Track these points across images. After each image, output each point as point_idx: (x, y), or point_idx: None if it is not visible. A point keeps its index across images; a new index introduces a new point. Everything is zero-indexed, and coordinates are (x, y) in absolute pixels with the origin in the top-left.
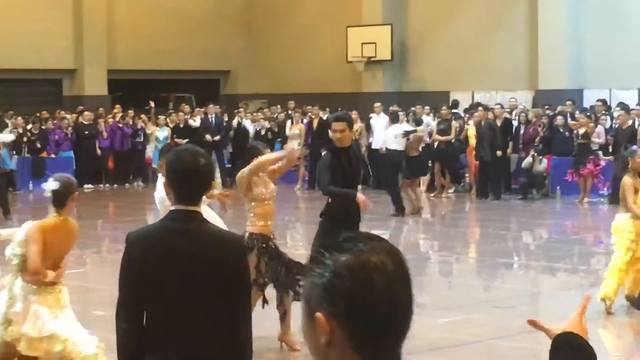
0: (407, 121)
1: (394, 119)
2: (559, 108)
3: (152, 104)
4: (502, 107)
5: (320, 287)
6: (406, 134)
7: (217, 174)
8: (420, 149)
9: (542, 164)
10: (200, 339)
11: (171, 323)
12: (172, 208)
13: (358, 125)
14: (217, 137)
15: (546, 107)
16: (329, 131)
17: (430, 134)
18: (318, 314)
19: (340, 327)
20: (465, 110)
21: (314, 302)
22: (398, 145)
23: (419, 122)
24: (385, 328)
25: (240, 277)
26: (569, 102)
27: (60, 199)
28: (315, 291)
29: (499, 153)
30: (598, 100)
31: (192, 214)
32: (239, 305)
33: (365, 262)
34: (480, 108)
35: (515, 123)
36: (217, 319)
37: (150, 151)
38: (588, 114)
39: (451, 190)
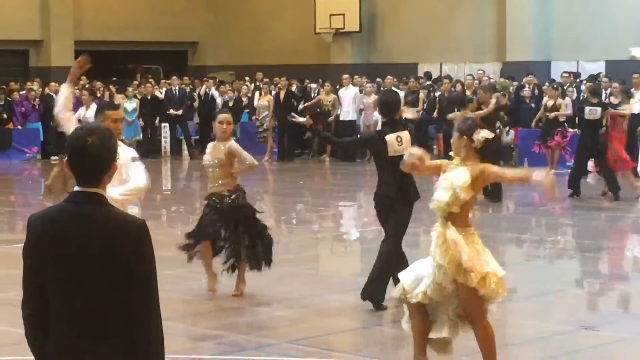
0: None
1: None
2: (525, 79)
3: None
4: (473, 78)
5: None
6: None
7: (184, 147)
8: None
9: (510, 136)
10: (87, 337)
11: (61, 313)
12: (75, 189)
13: (332, 96)
14: (180, 112)
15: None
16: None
17: None
18: None
19: None
20: (434, 81)
21: None
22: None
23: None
24: None
25: (137, 264)
26: (530, 76)
27: None
28: None
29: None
30: (565, 72)
31: (91, 196)
32: (140, 294)
33: None
34: (445, 80)
35: None
36: (110, 310)
37: None
38: (555, 86)
39: None
